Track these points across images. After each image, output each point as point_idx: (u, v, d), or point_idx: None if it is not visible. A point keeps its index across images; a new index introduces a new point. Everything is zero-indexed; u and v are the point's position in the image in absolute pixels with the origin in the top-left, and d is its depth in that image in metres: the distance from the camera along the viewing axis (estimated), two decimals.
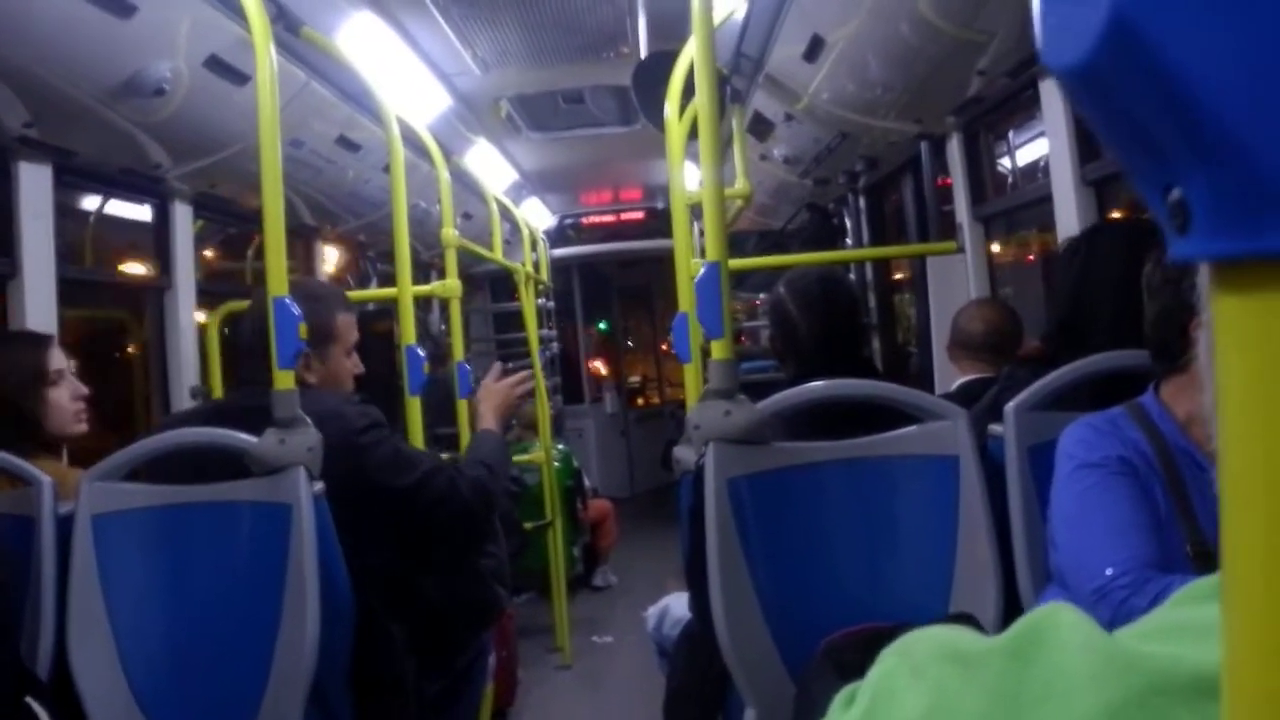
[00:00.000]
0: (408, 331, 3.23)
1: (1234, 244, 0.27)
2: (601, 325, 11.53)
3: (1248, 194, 0.26)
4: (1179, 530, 1.74)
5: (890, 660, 0.57)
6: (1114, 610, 1.63)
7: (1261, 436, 0.26)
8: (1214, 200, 0.27)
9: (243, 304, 4.23)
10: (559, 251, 9.16)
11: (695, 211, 3.86)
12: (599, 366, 11.27)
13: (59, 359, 2.68)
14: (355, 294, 4.08)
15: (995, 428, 2.19)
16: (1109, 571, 1.66)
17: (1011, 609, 2.03)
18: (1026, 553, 2.05)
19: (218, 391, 4.06)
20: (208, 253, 4.79)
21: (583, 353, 10.58)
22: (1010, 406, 2.13)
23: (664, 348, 11.54)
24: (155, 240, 3.97)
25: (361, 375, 2.69)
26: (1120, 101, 0.27)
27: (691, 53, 2.61)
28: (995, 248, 4.16)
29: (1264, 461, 0.26)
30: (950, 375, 3.43)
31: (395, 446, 2.42)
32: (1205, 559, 1.67)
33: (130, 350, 4.53)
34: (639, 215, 9.42)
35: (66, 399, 2.67)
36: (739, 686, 2.04)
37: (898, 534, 2.14)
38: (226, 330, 4.16)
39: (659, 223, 8.80)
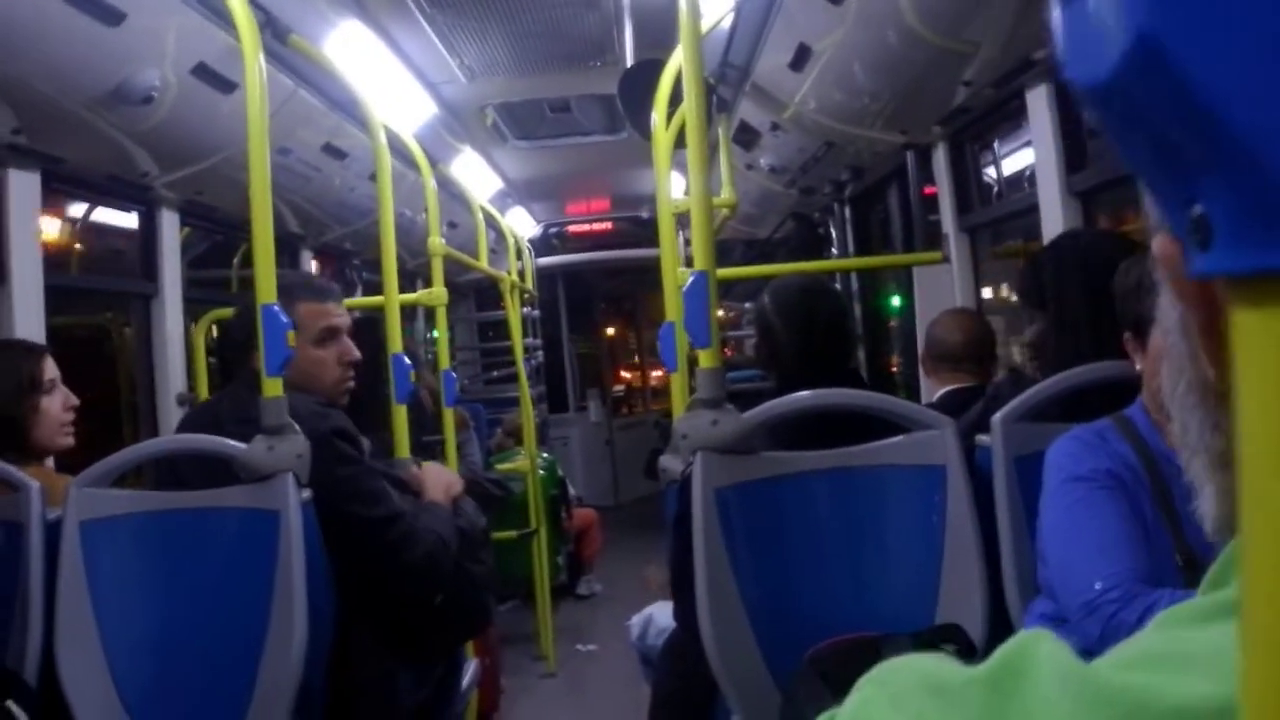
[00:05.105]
0: (395, 340, 3.21)
1: (1256, 259, 0.27)
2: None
3: (1270, 210, 0.26)
4: (1167, 540, 1.75)
5: (868, 689, 0.55)
6: (1103, 624, 1.63)
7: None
8: (1236, 216, 0.27)
9: (228, 311, 4.23)
10: (544, 260, 9.15)
11: (681, 220, 3.87)
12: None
13: (52, 368, 2.65)
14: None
15: (983, 438, 2.20)
16: (1098, 585, 1.66)
17: (998, 619, 2.04)
18: (1013, 563, 2.05)
19: (205, 398, 4.04)
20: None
21: (568, 361, 10.54)
22: (997, 417, 2.13)
23: (648, 357, 11.53)
24: (142, 248, 3.96)
25: (358, 361, 2.63)
26: (1142, 117, 0.28)
27: (678, 61, 2.62)
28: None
29: None
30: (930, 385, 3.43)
31: (361, 471, 2.37)
32: (1193, 569, 1.68)
33: (116, 357, 4.51)
34: (624, 224, 9.42)
35: (58, 409, 2.63)
36: (725, 695, 2.04)
37: (885, 543, 2.15)
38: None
39: (644, 231, 8.81)
